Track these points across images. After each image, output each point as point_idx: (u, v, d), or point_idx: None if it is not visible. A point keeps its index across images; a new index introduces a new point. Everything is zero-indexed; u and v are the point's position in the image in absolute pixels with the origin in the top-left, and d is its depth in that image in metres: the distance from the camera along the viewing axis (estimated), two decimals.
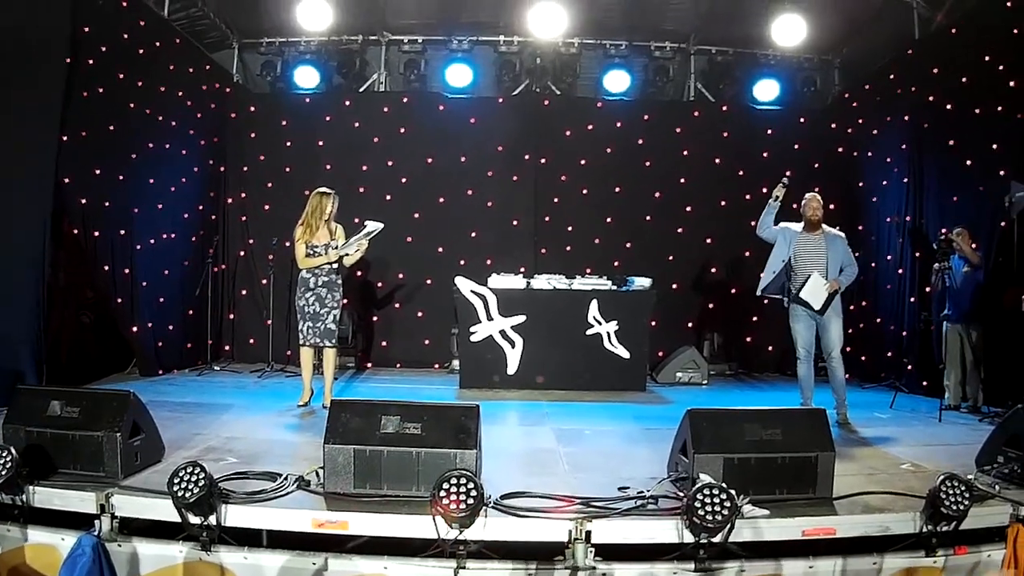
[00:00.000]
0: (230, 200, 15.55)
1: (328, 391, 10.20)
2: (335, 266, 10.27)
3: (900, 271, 13.17)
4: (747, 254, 14.58)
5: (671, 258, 15.36)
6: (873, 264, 13.94)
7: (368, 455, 5.92)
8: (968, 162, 11.67)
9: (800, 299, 9.68)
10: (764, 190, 13.63)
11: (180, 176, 13.82)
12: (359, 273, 14.95)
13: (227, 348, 15.42)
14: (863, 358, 13.86)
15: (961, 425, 9.88)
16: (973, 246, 10.85)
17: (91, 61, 11.23)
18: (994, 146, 11.11)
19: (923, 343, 12.09)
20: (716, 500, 5.24)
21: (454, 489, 5.31)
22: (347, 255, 10.17)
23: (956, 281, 10.75)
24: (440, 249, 15.29)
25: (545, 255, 15.27)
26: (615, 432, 9.29)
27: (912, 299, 12.75)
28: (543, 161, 15.62)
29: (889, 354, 13.34)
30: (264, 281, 14.72)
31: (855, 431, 9.32)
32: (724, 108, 15.90)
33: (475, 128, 15.48)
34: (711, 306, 15.47)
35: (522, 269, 13.62)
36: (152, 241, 12.91)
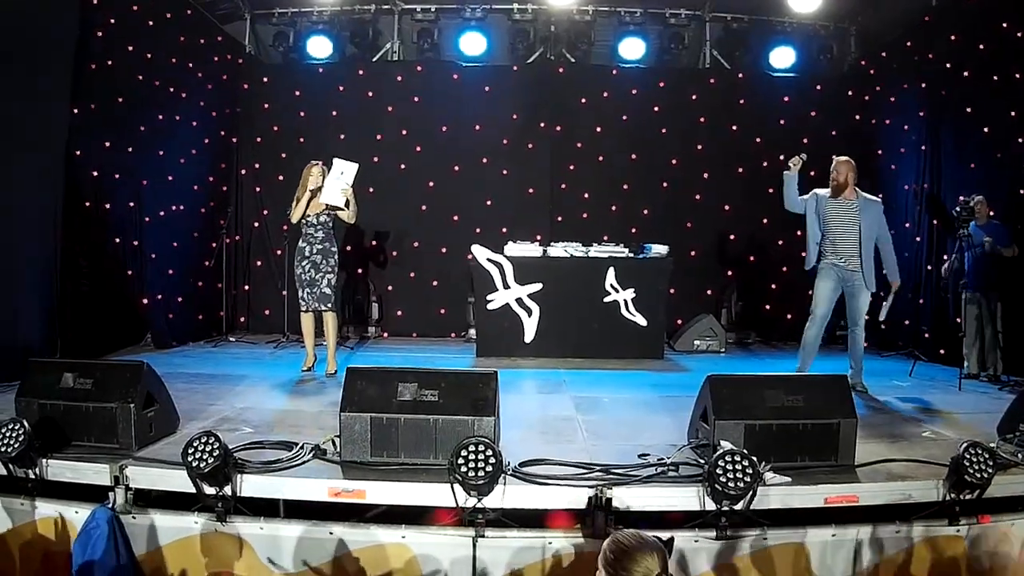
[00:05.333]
0: (243, 171, 15.51)
1: (331, 358, 10.29)
2: (330, 233, 10.37)
3: (918, 239, 13.07)
4: (765, 221, 14.51)
5: (688, 225, 15.27)
6: (892, 232, 13.73)
7: (385, 423, 5.89)
8: (986, 129, 11.56)
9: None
10: (781, 157, 13.52)
11: (190, 148, 13.78)
12: (374, 242, 14.98)
13: (242, 319, 15.41)
14: (882, 326, 13.78)
15: (981, 394, 9.81)
16: (991, 213, 10.77)
17: (100, 33, 11.19)
18: (1012, 113, 11.00)
19: (940, 311, 12.00)
20: (737, 467, 5.20)
21: (472, 457, 5.27)
22: (335, 207, 10.25)
23: (979, 247, 10.64)
24: (455, 218, 15.23)
25: (561, 223, 15.20)
26: (633, 400, 9.26)
27: (929, 267, 12.66)
28: (558, 129, 15.53)
29: (907, 322, 13.21)
30: (279, 252, 14.65)
31: (874, 398, 9.25)
32: (740, 75, 15.76)
33: (489, 96, 15.38)
34: (729, 274, 15.41)
35: (538, 237, 13.54)
36: (161, 213, 12.90)
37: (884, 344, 13.58)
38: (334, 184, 10.09)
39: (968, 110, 11.93)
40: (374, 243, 15.01)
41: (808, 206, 9.88)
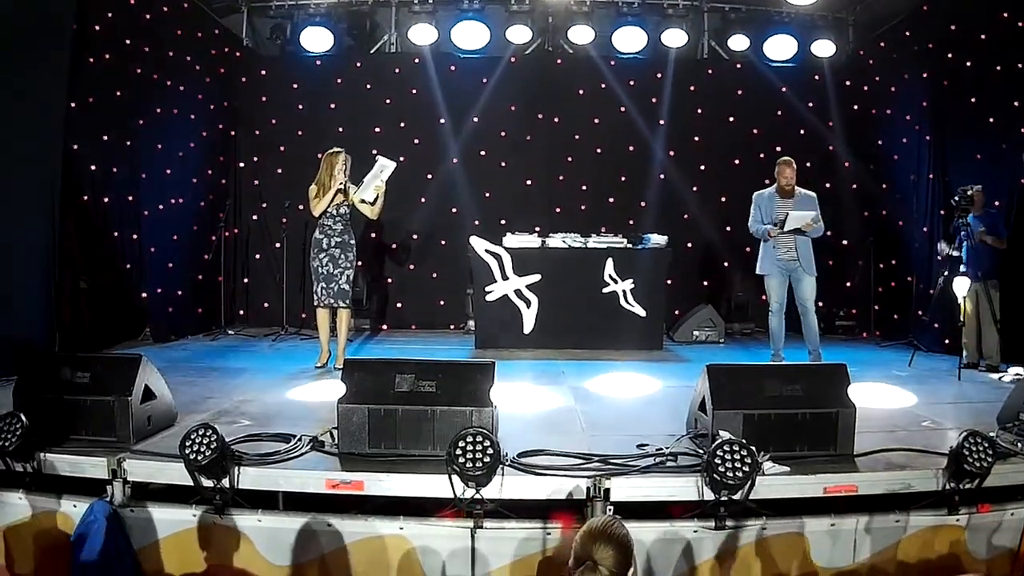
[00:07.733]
0: (242, 164, 15.44)
1: (341, 352, 10.17)
2: (348, 225, 10.30)
3: (925, 229, 13.02)
4: None
5: (686, 216, 15.25)
6: (901, 223, 13.80)
7: (383, 414, 5.88)
8: (991, 119, 11.55)
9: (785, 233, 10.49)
10: (778, 148, 13.59)
11: (188, 141, 13.74)
12: (373, 235, 14.92)
13: (241, 312, 15.37)
14: (895, 316, 13.75)
15: (980, 383, 9.78)
16: (996, 203, 10.78)
17: (97, 27, 11.18)
18: (1015, 103, 10.97)
19: (946, 301, 12.00)
20: (736, 457, 5.20)
21: (470, 448, 5.26)
22: (364, 201, 10.16)
23: (973, 238, 10.61)
24: (454, 210, 15.23)
25: (560, 214, 15.12)
26: (633, 390, 9.27)
27: (939, 257, 12.60)
28: (556, 120, 15.49)
29: (920, 312, 13.08)
30: (278, 244, 14.64)
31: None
32: (738, 66, 15.70)
33: (487, 88, 15.33)
34: (727, 264, 15.34)
35: (537, 228, 13.47)
36: (160, 207, 12.88)
37: (886, 335, 13.59)
38: (371, 183, 10.08)
39: (972, 100, 11.90)
40: (373, 235, 14.95)
41: (756, 211, 10.99)
